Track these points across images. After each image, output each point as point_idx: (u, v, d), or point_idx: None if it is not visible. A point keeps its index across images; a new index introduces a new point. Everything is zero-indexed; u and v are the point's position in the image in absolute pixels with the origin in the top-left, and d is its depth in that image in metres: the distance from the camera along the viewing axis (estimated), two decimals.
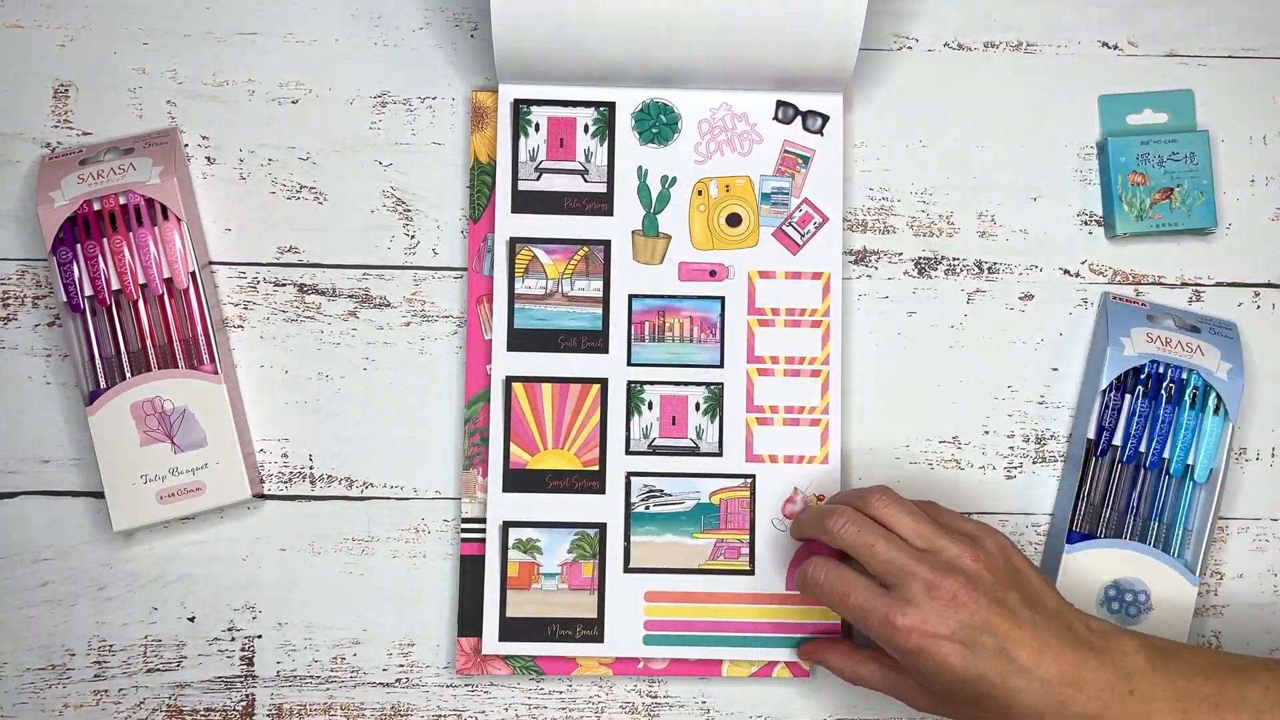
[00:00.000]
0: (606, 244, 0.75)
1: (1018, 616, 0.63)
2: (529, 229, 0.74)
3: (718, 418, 0.74)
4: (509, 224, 0.74)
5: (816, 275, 0.75)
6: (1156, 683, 0.62)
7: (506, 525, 0.73)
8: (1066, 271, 0.77)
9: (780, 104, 0.75)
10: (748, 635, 0.73)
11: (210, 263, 0.75)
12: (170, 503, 0.71)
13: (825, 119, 0.75)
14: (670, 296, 0.75)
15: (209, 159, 0.76)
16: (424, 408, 0.75)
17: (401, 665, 0.74)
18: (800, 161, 0.75)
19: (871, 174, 0.77)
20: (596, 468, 0.74)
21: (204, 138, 0.76)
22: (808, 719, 0.75)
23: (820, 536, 0.68)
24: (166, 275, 0.72)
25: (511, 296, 0.74)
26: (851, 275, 0.76)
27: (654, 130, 0.75)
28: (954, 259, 0.77)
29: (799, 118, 0.75)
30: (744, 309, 0.75)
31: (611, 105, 0.75)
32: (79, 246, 0.71)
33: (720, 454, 0.74)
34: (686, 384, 0.74)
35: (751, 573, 0.73)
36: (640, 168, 0.75)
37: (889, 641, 0.63)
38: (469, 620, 0.73)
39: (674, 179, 0.75)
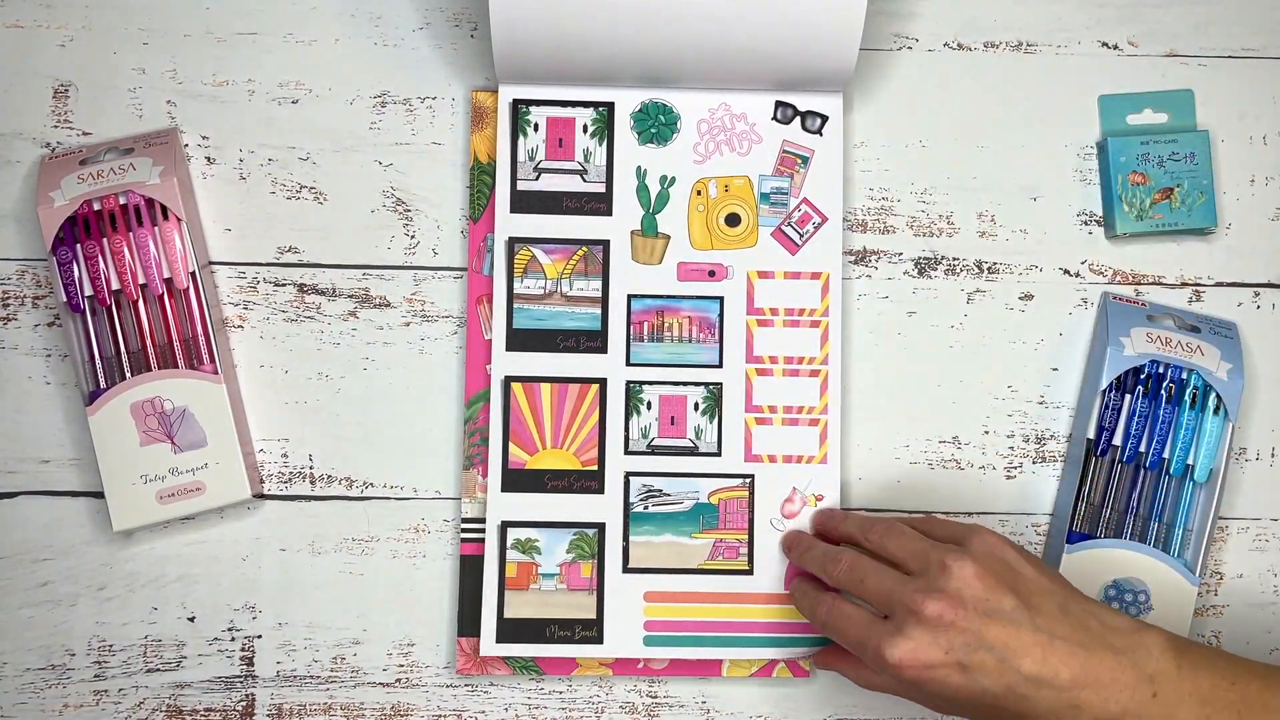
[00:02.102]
0: (605, 244, 0.75)
1: (1016, 623, 0.60)
2: (528, 229, 0.74)
3: (716, 418, 0.74)
4: (508, 224, 0.74)
5: (815, 275, 0.75)
6: (1182, 685, 0.60)
7: (505, 525, 0.73)
8: (1066, 271, 0.77)
9: (779, 104, 0.75)
10: (748, 635, 0.73)
11: (210, 263, 0.75)
12: (170, 503, 0.71)
13: (824, 119, 0.75)
14: (669, 296, 0.75)
15: (209, 159, 0.76)
16: (424, 408, 0.75)
17: (401, 665, 0.74)
18: (799, 161, 0.75)
19: (871, 174, 0.77)
20: (595, 468, 0.74)
21: (204, 138, 0.76)
22: (807, 719, 0.75)
23: (821, 577, 0.69)
24: (166, 275, 0.72)
25: (510, 296, 0.74)
26: (851, 275, 0.76)
27: (653, 130, 0.75)
28: (954, 259, 0.77)
29: (798, 118, 0.75)
30: (743, 309, 0.75)
31: (610, 105, 0.75)
32: (79, 246, 0.71)
33: (719, 454, 0.74)
34: (685, 384, 0.74)
35: (750, 572, 0.73)
36: (639, 168, 0.75)
37: (887, 675, 0.62)
38: (469, 620, 0.73)
39: (673, 179, 0.75)
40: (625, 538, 0.73)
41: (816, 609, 0.68)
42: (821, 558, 0.69)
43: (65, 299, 0.71)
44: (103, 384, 0.71)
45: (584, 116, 0.75)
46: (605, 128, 0.75)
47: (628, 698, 0.74)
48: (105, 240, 0.71)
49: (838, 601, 0.66)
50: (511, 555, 0.73)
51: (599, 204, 0.75)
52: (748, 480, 0.74)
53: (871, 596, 0.64)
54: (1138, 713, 0.59)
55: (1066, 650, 0.60)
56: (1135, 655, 0.60)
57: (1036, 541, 0.76)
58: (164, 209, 0.72)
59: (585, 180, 0.75)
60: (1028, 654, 0.60)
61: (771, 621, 0.73)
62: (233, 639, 0.74)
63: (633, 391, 0.74)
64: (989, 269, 0.77)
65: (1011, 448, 0.76)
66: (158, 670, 0.74)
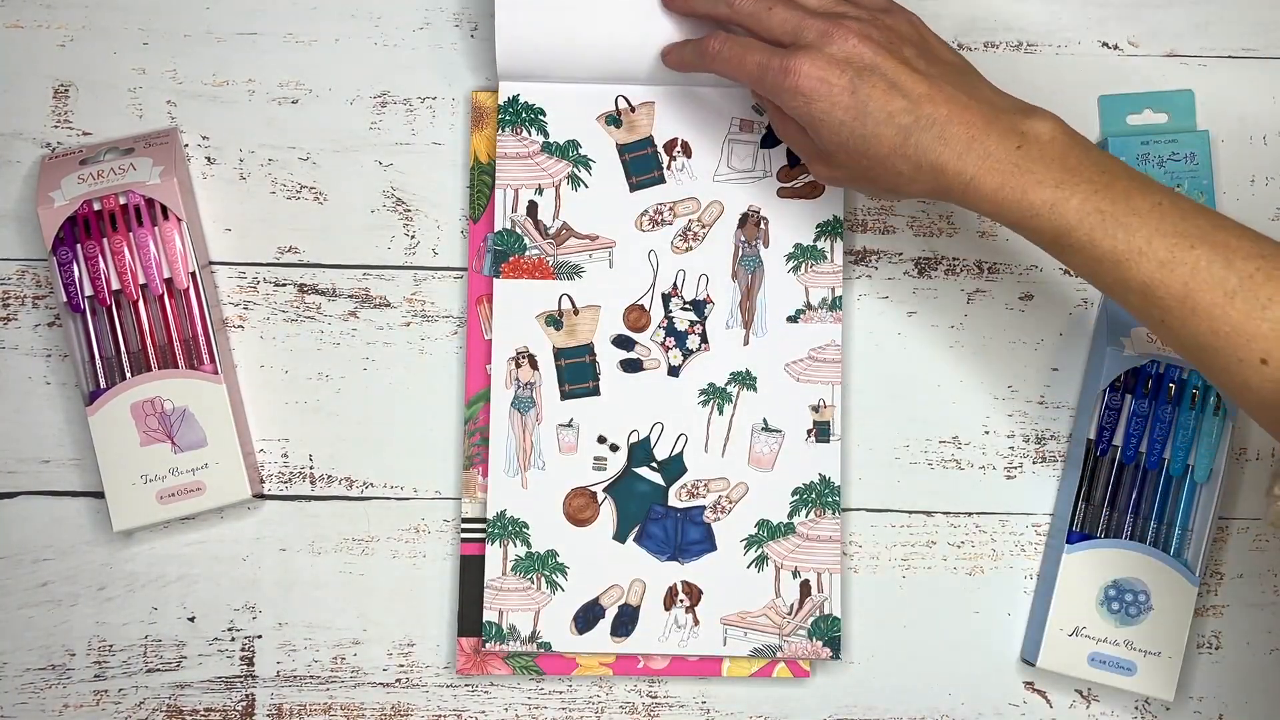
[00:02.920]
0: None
1: (912, 65, 0.63)
2: None
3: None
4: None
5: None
6: (1048, 153, 0.61)
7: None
8: (1067, 271, 0.77)
9: None
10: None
11: (210, 263, 0.75)
12: (170, 503, 0.71)
13: None
14: None
15: (209, 159, 0.76)
16: (424, 408, 0.75)
17: (401, 665, 0.74)
18: None
19: None
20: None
21: (204, 138, 0.76)
22: (808, 719, 0.75)
23: (717, 9, 0.67)
24: (166, 275, 0.72)
25: None
26: (851, 275, 0.76)
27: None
28: (954, 259, 0.77)
29: None
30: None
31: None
32: (79, 246, 0.71)
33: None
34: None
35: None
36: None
37: (782, 89, 0.64)
38: (469, 620, 0.73)
39: None
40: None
41: (706, 43, 0.67)
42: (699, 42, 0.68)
43: (65, 299, 0.71)
44: (103, 384, 0.71)
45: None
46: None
47: (628, 698, 0.74)
48: (105, 240, 0.71)
49: (733, 34, 0.66)
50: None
51: None
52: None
53: (777, 26, 0.65)
54: (997, 162, 0.61)
55: (950, 93, 0.62)
56: (1015, 117, 0.62)
57: (1036, 541, 0.76)
58: (164, 209, 0.72)
59: None
60: (916, 85, 0.62)
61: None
62: (233, 639, 0.74)
63: None
64: (989, 269, 0.77)
65: (1011, 448, 0.76)
66: (158, 670, 0.74)
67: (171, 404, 0.71)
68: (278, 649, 0.74)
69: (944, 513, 0.76)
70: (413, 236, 0.76)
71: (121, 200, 0.71)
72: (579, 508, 0.73)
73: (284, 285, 0.75)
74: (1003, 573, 0.76)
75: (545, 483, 0.73)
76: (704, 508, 0.73)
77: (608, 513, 0.73)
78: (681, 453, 0.74)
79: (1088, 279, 0.62)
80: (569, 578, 0.73)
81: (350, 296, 0.75)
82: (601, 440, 0.73)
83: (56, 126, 0.75)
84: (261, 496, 0.75)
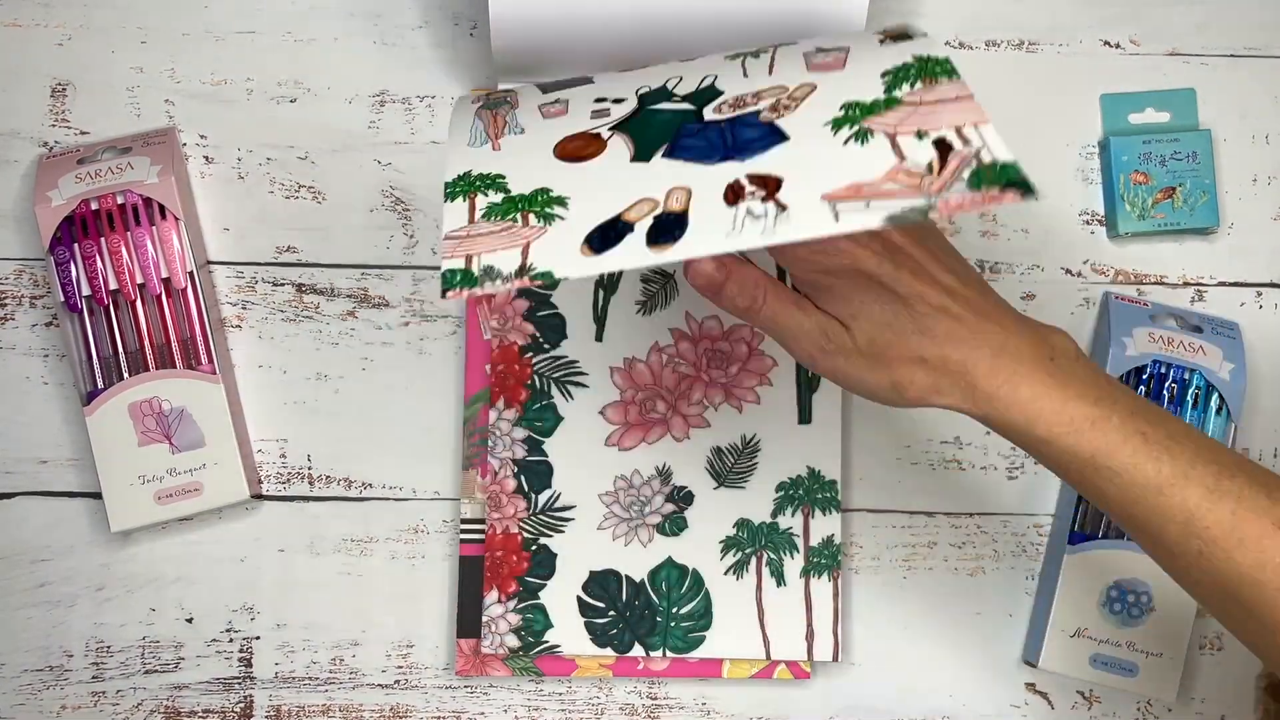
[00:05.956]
0: None
1: (937, 257, 0.57)
2: None
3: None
4: None
5: None
6: (1079, 369, 0.56)
7: None
8: (1068, 271, 0.77)
9: None
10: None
11: (208, 262, 0.75)
12: (168, 503, 0.71)
13: None
14: None
15: (207, 158, 0.75)
16: (423, 408, 0.75)
17: (400, 667, 0.74)
18: None
19: None
20: None
21: (202, 137, 0.76)
22: (807, 719, 0.75)
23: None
24: (164, 275, 0.72)
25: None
26: None
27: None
28: None
29: None
30: None
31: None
32: (76, 246, 0.71)
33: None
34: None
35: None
36: None
37: (811, 260, 0.56)
38: (468, 621, 0.73)
39: None
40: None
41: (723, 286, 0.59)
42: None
43: (63, 299, 0.71)
44: (100, 384, 0.71)
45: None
46: None
47: (627, 699, 0.74)
48: (103, 240, 0.71)
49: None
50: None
51: None
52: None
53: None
54: (1032, 364, 0.55)
55: (979, 290, 0.57)
56: (1040, 329, 0.57)
57: (1038, 542, 0.75)
58: (162, 208, 0.71)
59: None
60: (947, 273, 0.56)
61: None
62: (231, 640, 0.74)
63: None
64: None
65: (1013, 448, 0.76)
66: (156, 671, 0.74)
67: (169, 404, 0.71)
68: (276, 650, 0.74)
69: (945, 513, 0.76)
70: (411, 236, 0.75)
71: (119, 200, 0.71)
72: (578, 147, 0.58)
73: (282, 285, 0.75)
74: (1004, 573, 0.75)
75: (525, 142, 0.59)
76: (759, 110, 0.57)
77: (619, 144, 0.57)
78: (714, 83, 0.59)
79: (1116, 509, 0.56)
80: (570, 207, 0.55)
81: (349, 296, 0.75)
82: (600, 100, 0.60)
83: (54, 125, 0.75)
84: (260, 497, 0.74)
